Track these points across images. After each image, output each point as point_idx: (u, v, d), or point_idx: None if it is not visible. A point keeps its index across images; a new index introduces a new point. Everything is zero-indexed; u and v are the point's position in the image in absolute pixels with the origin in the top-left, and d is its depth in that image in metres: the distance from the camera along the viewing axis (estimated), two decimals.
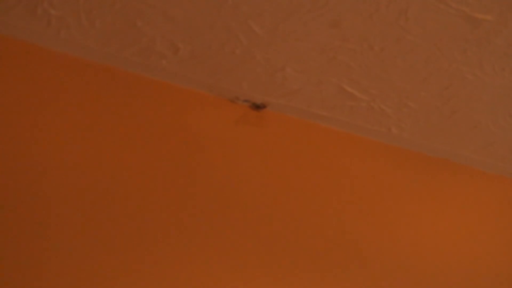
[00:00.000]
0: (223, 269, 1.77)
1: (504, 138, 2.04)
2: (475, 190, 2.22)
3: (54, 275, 1.60)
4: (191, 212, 1.79)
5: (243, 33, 1.70)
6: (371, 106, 1.94)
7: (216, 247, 1.79)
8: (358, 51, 1.72)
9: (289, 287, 1.83)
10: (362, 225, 1.99)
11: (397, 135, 2.07)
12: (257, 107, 1.99)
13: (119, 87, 1.85)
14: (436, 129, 2.02)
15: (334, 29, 1.66)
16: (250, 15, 1.63)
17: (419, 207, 2.10)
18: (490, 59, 1.69)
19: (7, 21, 1.72)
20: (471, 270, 2.09)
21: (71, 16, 1.69)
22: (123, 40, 1.76)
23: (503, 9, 1.53)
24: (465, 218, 2.16)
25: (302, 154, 2.01)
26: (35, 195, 1.65)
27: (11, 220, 1.60)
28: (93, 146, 1.76)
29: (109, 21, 1.70)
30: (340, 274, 1.90)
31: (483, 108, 1.90)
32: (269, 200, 1.90)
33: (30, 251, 1.59)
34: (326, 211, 1.96)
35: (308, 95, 1.92)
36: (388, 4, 1.55)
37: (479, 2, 1.52)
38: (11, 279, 1.56)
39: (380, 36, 1.66)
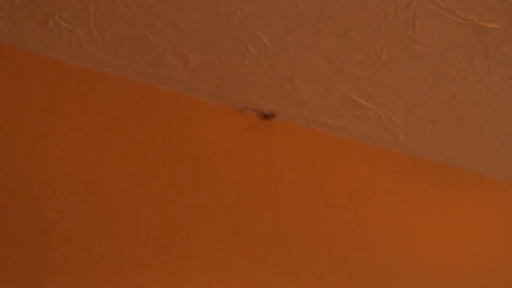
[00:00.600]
0: (231, 277, 1.78)
1: (511, 145, 2.04)
2: (483, 196, 2.22)
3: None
4: (201, 219, 1.81)
5: (251, 44, 1.72)
6: (378, 115, 1.95)
7: (224, 258, 1.80)
8: (366, 61, 1.73)
9: None
10: (371, 232, 2.00)
11: (405, 142, 2.08)
12: (266, 116, 2.01)
13: (130, 98, 1.87)
14: (444, 136, 2.03)
15: (341, 39, 1.67)
16: (258, 26, 1.65)
17: (427, 214, 2.11)
18: (498, 67, 1.70)
19: (19, 33, 1.75)
20: (479, 277, 2.09)
21: (82, 28, 1.71)
22: (134, 52, 1.78)
23: (511, 18, 1.54)
24: (473, 224, 2.16)
25: (310, 162, 2.02)
26: (41, 204, 1.67)
27: (14, 233, 1.62)
28: (104, 156, 1.77)
29: (120, 33, 1.72)
30: (349, 281, 1.91)
31: (491, 116, 1.91)
32: (278, 208, 1.91)
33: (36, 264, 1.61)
34: (335, 219, 1.97)
35: (316, 104, 1.93)
36: (395, 14, 1.56)
37: (486, 11, 1.53)
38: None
39: (387, 46, 1.67)
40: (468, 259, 2.10)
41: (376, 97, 1.88)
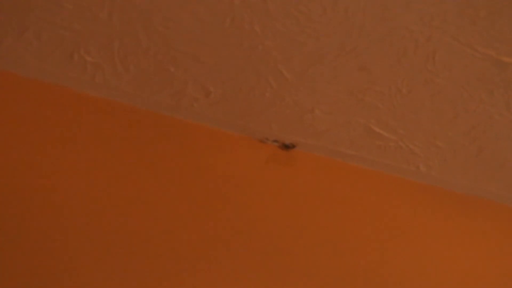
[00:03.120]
0: None
1: None
2: (504, 226, 2.22)
3: None
4: (221, 251, 1.82)
5: (273, 77, 1.74)
6: (399, 145, 1.96)
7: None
8: (386, 93, 1.75)
9: None
10: (392, 263, 2.00)
11: (425, 173, 2.09)
12: (287, 147, 2.02)
13: (152, 129, 1.89)
14: (464, 167, 2.04)
15: (362, 72, 1.69)
16: (280, 60, 1.67)
17: (449, 244, 2.10)
18: None
19: (45, 67, 1.78)
20: None
21: (106, 62, 1.74)
22: (156, 84, 1.81)
23: None
24: (494, 253, 2.16)
25: (331, 193, 2.03)
26: (57, 234, 1.69)
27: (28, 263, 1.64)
28: (125, 186, 1.79)
29: (143, 66, 1.75)
30: None
31: (510, 147, 1.91)
32: (298, 239, 1.92)
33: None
34: (356, 250, 1.97)
35: (337, 135, 1.95)
36: (415, 49, 1.58)
37: (505, 46, 1.54)
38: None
39: (407, 79, 1.69)
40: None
41: (397, 128, 1.89)
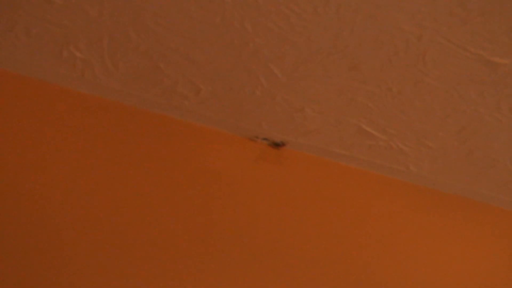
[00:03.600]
0: None
1: None
2: (493, 227, 2.22)
3: None
4: (209, 249, 1.81)
5: (263, 75, 1.73)
6: (389, 145, 1.96)
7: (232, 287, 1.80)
8: (377, 93, 1.74)
9: None
10: (380, 263, 2.00)
11: (415, 173, 2.09)
12: (276, 145, 2.02)
13: (141, 127, 1.88)
14: (454, 167, 2.03)
15: (353, 72, 1.68)
16: (270, 58, 1.67)
17: (437, 244, 2.10)
18: (507, 101, 1.71)
19: (34, 63, 1.77)
20: None
21: (95, 58, 1.73)
22: (146, 82, 1.80)
23: None
24: (483, 254, 2.16)
25: (320, 192, 2.02)
26: (50, 234, 1.68)
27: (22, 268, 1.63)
28: (116, 184, 1.79)
29: (133, 63, 1.74)
30: None
31: (500, 148, 1.91)
32: (287, 237, 1.92)
33: None
34: (344, 249, 1.97)
35: (327, 134, 1.94)
36: (406, 48, 1.57)
37: (496, 47, 1.54)
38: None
39: (398, 79, 1.68)
40: None
41: (387, 127, 1.89)
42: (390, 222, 2.07)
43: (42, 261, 1.64)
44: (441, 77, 1.66)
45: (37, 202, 1.69)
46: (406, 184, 2.14)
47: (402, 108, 1.79)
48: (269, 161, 2.00)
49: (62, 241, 1.68)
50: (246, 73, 1.73)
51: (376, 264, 1.99)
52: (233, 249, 1.83)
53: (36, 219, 1.68)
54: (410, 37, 1.54)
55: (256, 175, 1.97)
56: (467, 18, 1.48)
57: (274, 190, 1.97)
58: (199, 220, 1.83)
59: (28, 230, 1.66)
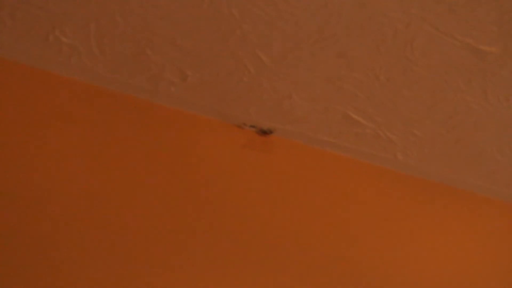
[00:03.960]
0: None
1: (508, 166, 2.05)
2: (480, 216, 2.23)
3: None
4: (196, 235, 1.81)
5: (250, 62, 1.73)
6: (377, 133, 1.96)
7: (219, 273, 1.80)
8: (364, 81, 1.74)
9: None
10: (366, 250, 2.00)
11: (402, 161, 2.09)
12: (264, 132, 2.01)
13: (128, 113, 1.87)
14: (441, 156, 2.04)
15: (340, 59, 1.68)
16: (258, 44, 1.66)
17: (424, 233, 2.11)
18: (495, 89, 1.71)
19: (19, 47, 1.75)
20: None
21: (82, 43, 1.72)
22: (133, 68, 1.79)
23: (508, 42, 1.55)
24: (469, 243, 2.17)
25: (308, 179, 2.02)
26: (39, 221, 1.67)
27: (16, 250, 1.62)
28: (101, 170, 1.78)
29: (119, 49, 1.73)
30: None
31: (488, 137, 1.91)
32: (274, 224, 1.92)
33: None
34: (331, 236, 1.97)
35: (314, 121, 1.94)
36: (394, 36, 1.57)
37: (484, 35, 1.54)
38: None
39: (386, 67, 1.68)
40: (463, 278, 2.10)
41: (375, 116, 1.88)
42: (377, 210, 2.07)
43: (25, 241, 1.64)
44: (429, 65, 1.66)
45: (22, 184, 1.68)
46: (393, 173, 2.14)
47: (390, 96, 1.79)
48: (256, 148, 1.99)
49: (44, 219, 1.68)
50: (233, 59, 1.72)
51: (360, 249, 1.99)
52: (220, 236, 1.83)
53: (23, 197, 1.67)
54: (398, 24, 1.54)
55: (243, 162, 1.96)
56: (455, 5, 1.47)
57: (261, 178, 1.97)
58: (184, 206, 1.83)
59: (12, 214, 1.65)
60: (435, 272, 2.06)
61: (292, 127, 1.98)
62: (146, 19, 1.62)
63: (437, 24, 1.52)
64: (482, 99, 1.75)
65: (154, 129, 1.89)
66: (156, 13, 1.61)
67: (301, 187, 2.01)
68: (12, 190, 1.67)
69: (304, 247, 1.92)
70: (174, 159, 1.88)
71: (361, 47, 1.62)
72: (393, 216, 2.08)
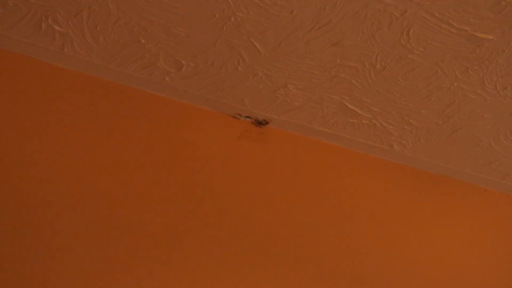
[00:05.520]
0: (219, 277, 1.77)
1: (505, 156, 2.04)
2: (476, 207, 2.22)
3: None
4: (192, 225, 1.80)
5: (245, 51, 1.71)
6: (373, 123, 1.94)
7: (215, 264, 1.79)
8: (360, 70, 1.73)
9: None
10: (363, 239, 1.99)
11: (399, 152, 2.07)
12: (259, 123, 2.00)
13: (122, 103, 1.86)
14: (438, 146, 2.02)
15: (336, 48, 1.66)
16: (252, 33, 1.64)
17: (420, 223, 2.10)
18: (492, 78, 1.70)
19: (11, 36, 1.74)
20: (472, 286, 2.09)
21: (75, 32, 1.70)
22: (127, 56, 1.77)
23: (505, 29, 1.53)
24: (466, 234, 2.16)
25: (303, 170, 2.01)
26: (35, 208, 1.66)
27: (12, 234, 1.61)
28: (95, 160, 1.76)
29: (113, 37, 1.71)
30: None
31: (485, 126, 1.90)
32: (270, 215, 1.91)
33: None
34: (327, 226, 1.96)
35: (310, 111, 1.93)
36: (390, 24, 1.55)
37: (480, 22, 1.52)
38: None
39: (382, 55, 1.66)
40: (460, 268, 2.09)
41: (371, 105, 1.87)
42: (373, 200, 2.06)
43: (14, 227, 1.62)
44: (425, 53, 1.64)
45: (14, 170, 1.67)
46: (389, 163, 2.13)
47: (386, 85, 1.78)
48: (251, 139, 1.98)
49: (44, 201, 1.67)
50: (228, 48, 1.71)
51: (356, 239, 1.98)
52: (215, 226, 1.82)
53: (16, 183, 1.66)
54: (393, 11, 1.52)
55: (238, 153, 1.95)
56: None
57: (256, 167, 1.96)
58: (180, 194, 1.82)
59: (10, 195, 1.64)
60: (428, 259, 2.05)
61: (288, 117, 1.96)
62: (140, 7, 1.60)
63: (433, 11, 1.51)
64: (479, 88, 1.74)
65: (149, 119, 1.87)
66: (150, 0, 1.59)
67: (297, 178, 2.00)
68: (5, 178, 1.66)
69: (299, 236, 1.91)
70: (169, 149, 1.86)
71: (356, 35, 1.61)
72: (389, 206, 2.07)
